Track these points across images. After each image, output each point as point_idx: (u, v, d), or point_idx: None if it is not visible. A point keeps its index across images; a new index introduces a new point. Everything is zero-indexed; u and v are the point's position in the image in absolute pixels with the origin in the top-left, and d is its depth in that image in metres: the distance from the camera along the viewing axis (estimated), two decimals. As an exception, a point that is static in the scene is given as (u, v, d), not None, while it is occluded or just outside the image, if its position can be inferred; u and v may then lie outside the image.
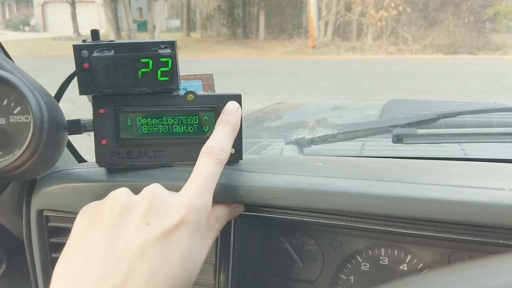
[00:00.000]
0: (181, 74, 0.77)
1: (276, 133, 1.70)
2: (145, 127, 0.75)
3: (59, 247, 0.82)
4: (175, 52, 0.72)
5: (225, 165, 0.79)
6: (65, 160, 0.93)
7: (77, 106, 0.90)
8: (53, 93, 0.77)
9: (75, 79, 0.75)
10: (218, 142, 0.68)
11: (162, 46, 0.72)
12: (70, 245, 0.60)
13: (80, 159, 1.00)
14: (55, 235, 0.82)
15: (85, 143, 1.00)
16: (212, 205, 0.64)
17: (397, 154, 1.15)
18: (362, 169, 0.81)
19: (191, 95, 0.76)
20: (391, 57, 12.62)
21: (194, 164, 0.76)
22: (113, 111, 0.75)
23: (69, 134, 0.75)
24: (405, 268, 0.80)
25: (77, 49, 0.71)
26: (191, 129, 0.76)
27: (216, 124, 0.73)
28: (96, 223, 0.59)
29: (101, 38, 0.73)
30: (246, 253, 0.83)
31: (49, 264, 0.83)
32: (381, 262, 0.82)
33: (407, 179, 0.71)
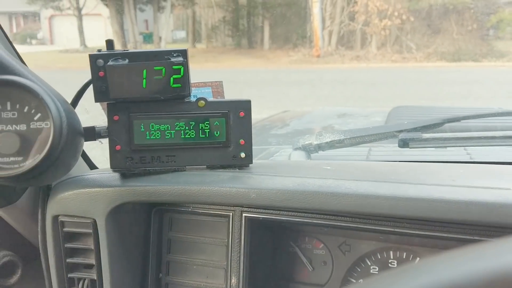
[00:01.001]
0: (191, 81, 0.79)
1: (283, 139, 1.71)
2: (158, 133, 0.78)
3: (73, 252, 0.84)
4: (186, 60, 0.74)
5: (236, 169, 0.81)
6: (78, 167, 0.95)
7: (90, 114, 0.92)
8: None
9: (90, 87, 0.77)
10: None
11: (175, 55, 0.74)
12: None
13: (92, 166, 1.02)
14: (70, 240, 0.84)
15: (93, 154, 1.02)
16: None
17: (404, 159, 1.16)
18: (369, 171, 0.82)
19: (202, 101, 0.78)
20: (396, 65, 12.63)
21: (205, 169, 0.78)
22: (127, 117, 0.77)
23: (85, 141, 0.77)
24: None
25: (92, 58, 0.73)
26: (202, 134, 0.78)
27: None
28: None
29: None
30: (257, 258, 0.85)
31: (64, 269, 0.85)
32: (390, 265, 0.83)
33: (414, 181, 0.72)
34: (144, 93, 0.74)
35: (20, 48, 0.97)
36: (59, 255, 0.84)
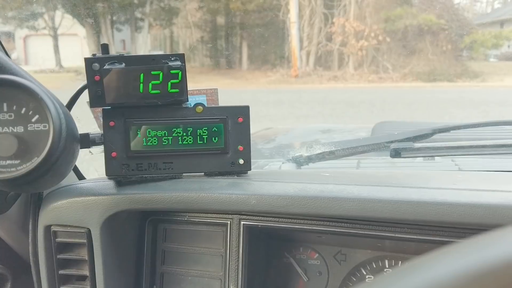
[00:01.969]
0: None
1: (270, 153, 1.70)
2: (155, 139, 0.76)
3: (66, 264, 0.82)
4: (184, 65, 0.74)
5: (234, 175, 0.80)
6: (68, 177, 0.92)
7: (82, 122, 0.90)
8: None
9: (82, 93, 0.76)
10: None
11: (172, 59, 0.73)
12: None
13: (80, 177, 0.99)
14: (63, 251, 0.81)
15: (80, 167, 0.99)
16: None
17: (395, 169, 1.16)
18: (369, 176, 0.82)
19: (200, 107, 0.77)
20: (373, 85, 12.81)
21: (203, 176, 0.77)
22: (124, 123, 0.75)
23: (80, 148, 0.75)
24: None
25: (88, 62, 0.72)
26: (200, 140, 0.77)
27: None
28: None
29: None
30: (252, 268, 0.83)
31: (56, 281, 0.82)
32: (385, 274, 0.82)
33: (416, 185, 0.72)
34: (141, 98, 0.73)
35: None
36: (51, 266, 0.82)
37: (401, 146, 1.09)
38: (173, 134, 0.76)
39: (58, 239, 0.80)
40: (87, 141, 0.76)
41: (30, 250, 0.81)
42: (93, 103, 0.73)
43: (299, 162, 1.29)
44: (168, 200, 0.76)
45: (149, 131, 0.76)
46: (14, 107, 0.62)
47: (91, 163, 1.06)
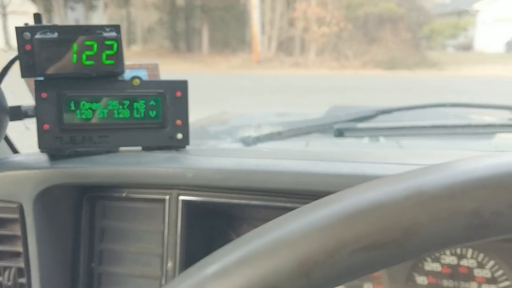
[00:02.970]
0: (125, 63, 0.76)
1: (221, 135, 1.70)
2: (89, 112, 0.74)
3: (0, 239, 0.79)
4: (120, 36, 0.72)
5: (173, 150, 0.79)
6: (0, 150, 0.90)
7: (17, 95, 0.87)
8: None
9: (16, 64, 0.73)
10: None
11: (107, 30, 0.72)
12: None
13: (15, 151, 0.96)
14: (-5, 227, 0.79)
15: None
16: None
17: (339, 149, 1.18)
18: (307, 153, 0.83)
19: (137, 80, 0.76)
20: (333, 72, 12.95)
21: (140, 150, 0.76)
22: (56, 95, 0.73)
23: (10, 120, 0.73)
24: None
25: (19, 31, 0.70)
26: (137, 114, 0.76)
27: None
28: None
29: None
30: (194, 245, 0.83)
31: None
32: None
33: (349, 160, 0.73)
34: (74, 69, 0.71)
35: None
36: (-18, 243, 0.79)
37: (344, 127, 1.11)
38: (109, 107, 0.75)
39: (-11, 215, 0.78)
40: (18, 113, 0.74)
41: None
42: (24, 74, 0.71)
43: (247, 142, 1.30)
44: (104, 175, 0.74)
45: (83, 104, 0.74)
46: None
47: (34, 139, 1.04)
